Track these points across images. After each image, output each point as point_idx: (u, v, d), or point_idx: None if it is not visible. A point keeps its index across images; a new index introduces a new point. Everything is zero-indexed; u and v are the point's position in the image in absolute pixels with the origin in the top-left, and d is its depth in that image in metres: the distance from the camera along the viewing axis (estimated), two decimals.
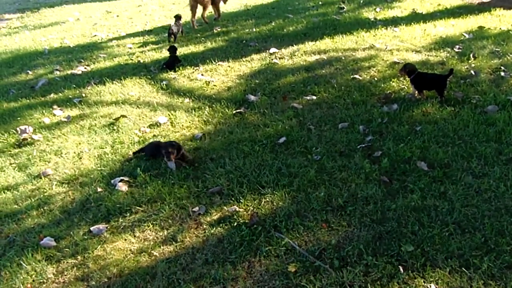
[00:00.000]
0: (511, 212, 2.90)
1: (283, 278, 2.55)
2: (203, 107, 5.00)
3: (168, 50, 6.57)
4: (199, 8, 8.81)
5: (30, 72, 7.03)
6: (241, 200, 3.27)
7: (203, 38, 8.05)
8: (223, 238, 2.93)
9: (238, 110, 4.80)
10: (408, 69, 4.66)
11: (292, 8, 10.11)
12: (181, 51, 7.33)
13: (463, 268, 2.49)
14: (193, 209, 3.24)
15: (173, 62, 6.45)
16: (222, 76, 6.01)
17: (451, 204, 3.01)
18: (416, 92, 4.69)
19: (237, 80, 5.80)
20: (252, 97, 5.11)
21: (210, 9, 9.17)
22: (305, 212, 3.09)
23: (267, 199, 3.26)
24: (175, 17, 8.06)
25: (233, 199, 3.31)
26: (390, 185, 3.28)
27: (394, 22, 7.91)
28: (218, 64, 6.42)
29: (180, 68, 6.41)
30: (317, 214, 3.04)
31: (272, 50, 6.84)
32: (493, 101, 4.46)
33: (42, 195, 3.63)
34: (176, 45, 6.96)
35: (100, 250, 2.95)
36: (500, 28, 7.11)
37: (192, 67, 6.46)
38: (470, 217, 2.89)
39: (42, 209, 3.46)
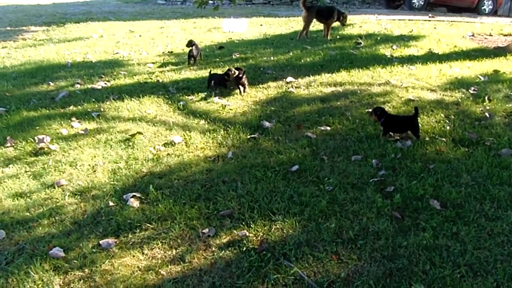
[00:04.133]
0: None
1: None
2: (218, 130, 5.06)
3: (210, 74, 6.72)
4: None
5: (51, 84, 7.19)
6: (251, 225, 3.27)
7: (221, 63, 8.21)
8: (231, 262, 2.92)
9: (252, 135, 4.85)
10: (379, 112, 4.68)
11: (310, 40, 10.30)
12: (199, 73, 7.48)
13: None
14: (203, 231, 3.24)
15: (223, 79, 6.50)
16: (238, 100, 6.10)
17: (463, 245, 2.99)
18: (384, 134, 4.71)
19: (252, 106, 5.88)
20: (267, 123, 5.17)
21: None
22: (315, 242, 3.07)
23: (278, 226, 3.26)
24: (188, 42, 8.06)
25: (243, 223, 3.31)
26: (402, 222, 3.27)
27: (410, 60, 8.02)
28: (235, 89, 6.52)
29: (198, 90, 6.51)
30: (327, 245, 3.03)
31: (289, 79, 6.95)
32: (508, 145, 4.46)
33: (54, 205, 3.67)
34: (194, 67, 7.07)
35: (107, 265, 2.95)
36: None
37: (210, 89, 6.57)
38: (482, 260, 2.85)
39: (53, 218, 3.49)
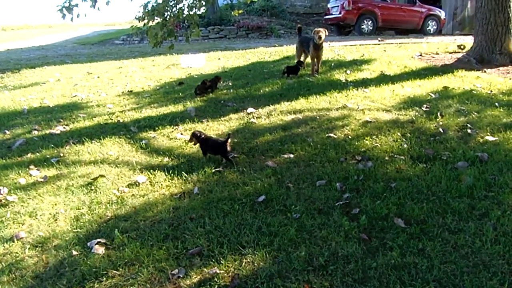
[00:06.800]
0: (488, 267, 2.96)
1: None
2: (182, 166, 5.03)
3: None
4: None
5: (7, 132, 6.96)
6: (221, 261, 3.22)
7: (182, 98, 8.24)
8: None
9: (217, 169, 4.85)
10: (195, 135, 5.19)
11: (268, 70, 10.54)
12: (160, 111, 7.47)
13: None
14: (172, 272, 3.16)
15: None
16: None
17: (430, 261, 3.06)
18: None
19: None
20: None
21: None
22: (287, 272, 3.06)
23: (248, 260, 3.23)
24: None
25: (213, 260, 3.26)
26: (370, 243, 3.32)
27: (364, 83, 8.34)
28: (197, 123, 6.54)
29: (160, 127, 6.49)
30: (298, 274, 3.02)
31: (250, 110, 7.05)
32: (463, 158, 4.67)
33: (13, 260, 3.49)
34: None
35: None
36: (464, 88, 7.59)
37: (172, 126, 6.55)
38: (449, 273, 2.92)
39: (13, 274, 3.31)
